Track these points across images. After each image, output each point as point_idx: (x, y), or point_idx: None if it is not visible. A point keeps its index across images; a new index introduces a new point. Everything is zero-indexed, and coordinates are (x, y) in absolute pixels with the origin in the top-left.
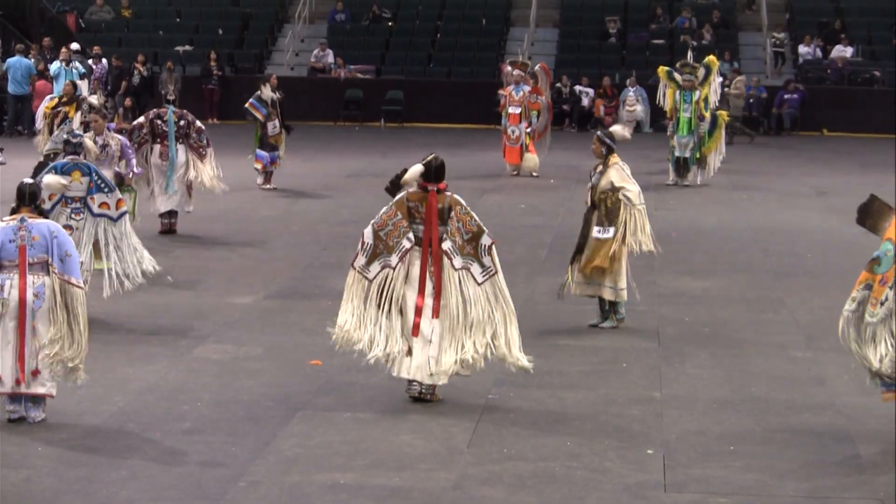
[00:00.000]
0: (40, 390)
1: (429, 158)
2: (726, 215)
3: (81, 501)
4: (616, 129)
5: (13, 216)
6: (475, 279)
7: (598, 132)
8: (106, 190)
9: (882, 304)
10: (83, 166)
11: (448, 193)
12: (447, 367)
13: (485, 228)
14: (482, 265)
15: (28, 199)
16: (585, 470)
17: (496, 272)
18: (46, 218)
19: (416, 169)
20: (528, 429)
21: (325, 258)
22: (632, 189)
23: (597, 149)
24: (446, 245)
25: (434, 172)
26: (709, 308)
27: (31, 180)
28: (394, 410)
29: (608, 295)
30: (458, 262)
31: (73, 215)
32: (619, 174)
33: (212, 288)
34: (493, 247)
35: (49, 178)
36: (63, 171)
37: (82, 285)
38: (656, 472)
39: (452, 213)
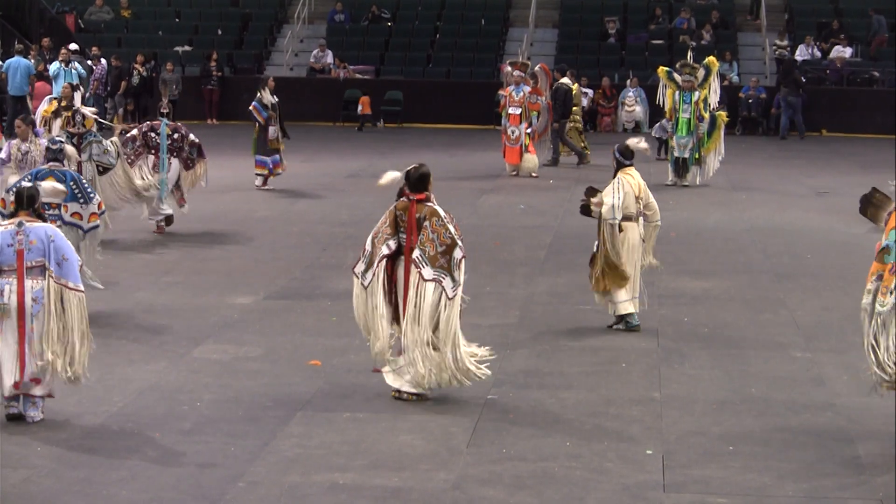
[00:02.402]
0: (39, 391)
1: (410, 168)
2: (726, 216)
3: (81, 502)
4: (631, 141)
5: (11, 220)
6: (447, 293)
7: (615, 147)
8: (81, 200)
9: (892, 293)
10: (59, 173)
11: (429, 204)
12: (411, 376)
13: (458, 242)
14: (453, 279)
15: (26, 202)
16: (585, 470)
17: (459, 287)
18: (45, 222)
19: (391, 175)
20: (527, 429)
21: (325, 259)
22: (606, 202)
23: (612, 162)
24: (415, 254)
25: (413, 182)
26: (708, 308)
27: (29, 184)
28: (393, 411)
29: (618, 310)
30: (427, 272)
31: (49, 221)
32: (609, 187)
33: (211, 288)
34: (463, 261)
35: (46, 185)
36: (38, 177)
37: (81, 289)
38: (656, 472)
39: (426, 223)
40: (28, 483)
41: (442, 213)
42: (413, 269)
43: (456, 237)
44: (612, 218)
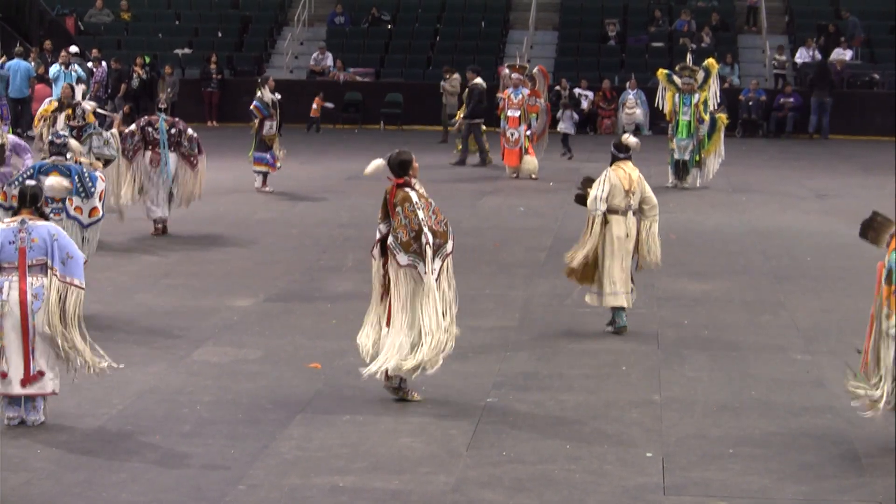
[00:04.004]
0: (45, 389)
1: (392, 153)
2: (725, 218)
3: None
4: (625, 135)
5: (13, 218)
6: (421, 277)
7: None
8: (83, 195)
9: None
10: (63, 168)
11: (406, 189)
12: (387, 362)
13: (424, 228)
14: (425, 263)
15: (29, 201)
16: (584, 473)
17: (428, 273)
18: (47, 220)
19: (375, 163)
20: (527, 432)
21: (325, 261)
22: (591, 193)
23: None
24: (389, 240)
25: (394, 167)
26: (708, 311)
27: (32, 182)
28: (393, 413)
29: (594, 301)
30: (402, 258)
31: (52, 215)
32: (597, 179)
33: (211, 290)
34: (428, 247)
35: (51, 181)
36: (42, 171)
37: (84, 286)
38: (655, 474)
39: (399, 209)
40: (28, 486)
41: (415, 198)
42: (389, 257)
43: (423, 223)
44: (595, 210)
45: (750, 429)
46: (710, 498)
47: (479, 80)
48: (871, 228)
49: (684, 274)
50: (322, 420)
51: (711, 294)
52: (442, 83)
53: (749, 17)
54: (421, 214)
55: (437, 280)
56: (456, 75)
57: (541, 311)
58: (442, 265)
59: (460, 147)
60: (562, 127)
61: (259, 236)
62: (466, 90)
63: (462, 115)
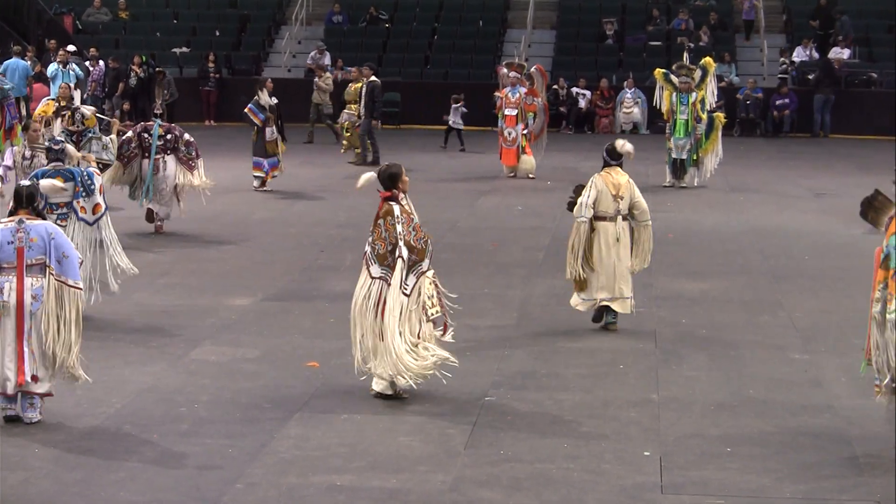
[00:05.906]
0: (40, 389)
1: (382, 166)
2: (723, 217)
3: (80, 503)
4: (618, 142)
5: (11, 218)
6: (392, 290)
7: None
8: (84, 195)
9: None
10: (65, 172)
11: (391, 203)
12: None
13: (399, 242)
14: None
15: (26, 200)
16: (583, 472)
17: (394, 286)
18: (44, 220)
19: (366, 176)
20: (525, 431)
21: (323, 260)
22: (579, 200)
23: None
24: (367, 251)
25: (382, 180)
26: (706, 310)
27: (29, 182)
28: (391, 412)
29: (583, 307)
30: (375, 270)
31: (58, 221)
32: (587, 185)
33: (209, 290)
34: (400, 259)
35: (45, 182)
36: (44, 177)
37: (80, 286)
38: (653, 473)
39: (380, 221)
40: (26, 484)
41: (397, 211)
42: (363, 266)
43: (400, 237)
44: (580, 216)
45: (748, 428)
46: (709, 497)
47: (374, 77)
48: (872, 208)
49: (682, 273)
50: (320, 419)
51: (709, 293)
52: (315, 80)
53: (747, 30)
54: (399, 228)
55: (408, 297)
56: (328, 74)
57: (539, 310)
58: (416, 282)
59: (358, 147)
60: (451, 121)
61: (257, 236)
62: (364, 88)
63: (362, 114)
